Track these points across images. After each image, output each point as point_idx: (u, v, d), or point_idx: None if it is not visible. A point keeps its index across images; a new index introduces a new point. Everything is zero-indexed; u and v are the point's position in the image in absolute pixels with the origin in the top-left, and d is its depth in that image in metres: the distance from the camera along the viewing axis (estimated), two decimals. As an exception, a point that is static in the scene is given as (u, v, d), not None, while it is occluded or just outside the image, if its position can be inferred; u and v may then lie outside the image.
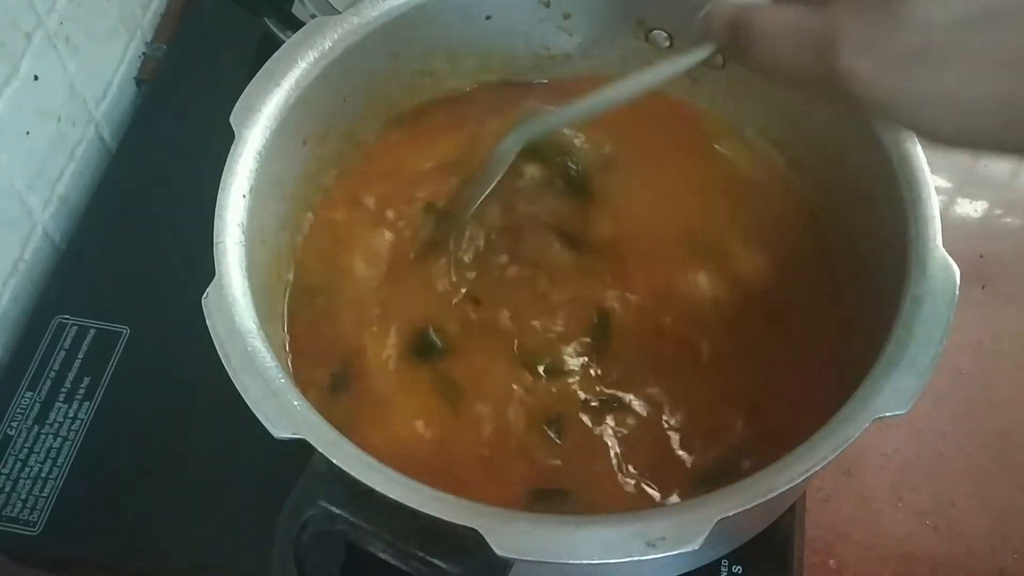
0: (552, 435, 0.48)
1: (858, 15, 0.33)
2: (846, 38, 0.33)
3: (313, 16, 0.64)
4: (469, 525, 0.37)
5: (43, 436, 0.55)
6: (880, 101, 0.33)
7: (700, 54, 0.42)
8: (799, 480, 0.38)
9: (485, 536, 0.37)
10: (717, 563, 0.50)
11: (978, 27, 0.30)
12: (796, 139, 0.55)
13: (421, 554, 0.39)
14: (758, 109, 0.56)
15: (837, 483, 0.58)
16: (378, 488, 0.38)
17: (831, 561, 0.56)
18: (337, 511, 0.39)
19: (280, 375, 0.42)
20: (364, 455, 0.40)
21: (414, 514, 0.38)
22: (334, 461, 0.39)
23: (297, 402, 0.41)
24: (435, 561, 0.39)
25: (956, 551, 0.56)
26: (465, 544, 0.38)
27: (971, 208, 0.69)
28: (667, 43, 0.55)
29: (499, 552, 0.37)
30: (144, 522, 0.53)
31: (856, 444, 0.39)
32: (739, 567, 0.51)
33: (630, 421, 0.49)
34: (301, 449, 0.39)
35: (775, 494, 0.38)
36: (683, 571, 0.48)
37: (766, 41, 0.37)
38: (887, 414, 0.40)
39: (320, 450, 0.39)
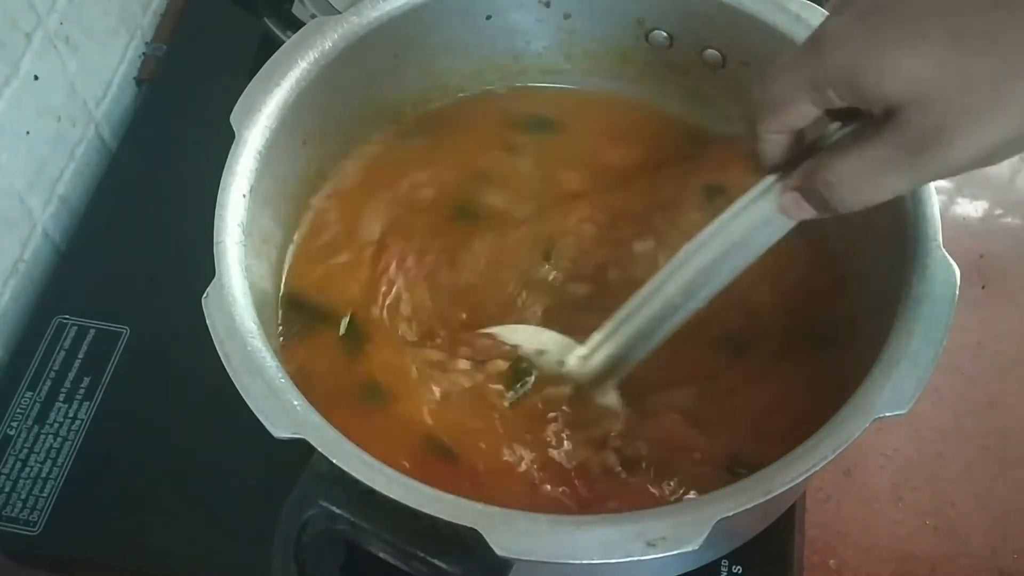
0: None
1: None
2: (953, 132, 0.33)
3: (313, 16, 0.64)
4: (469, 525, 0.37)
5: (43, 436, 0.55)
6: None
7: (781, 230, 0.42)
8: (799, 480, 0.38)
9: (485, 536, 0.37)
10: (717, 563, 0.50)
11: None
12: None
13: (421, 554, 0.39)
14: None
15: (837, 483, 0.58)
16: (378, 488, 0.38)
17: (831, 561, 0.56)
18: (337, 511, 0.39)
19: (280, 375, 0.42)
20: (364, 455, 0.40)
21: (414, 514, 0.38)
22: (334, 461, 0.39)
23: (297, 402, 0.41)
24: (435, 561, 0.39)
25: (956, 551, 0.56)
26: (465, 544, 0.38)
27: (971, 208, 0.69)
28: (667, 43, 0.56)
29: (499, 552, 0.37)
30: (144, 522, 0.53)
31: (856, 444, 0.39)
32: (739, 567, 0.51)
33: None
34: (301, 449, 0.39)
35: (775, 494, 0.38)
36: (683, 571, 0.48)
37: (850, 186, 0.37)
38: (887, 414, 0.40)
39: (320, 450, 0.39)
